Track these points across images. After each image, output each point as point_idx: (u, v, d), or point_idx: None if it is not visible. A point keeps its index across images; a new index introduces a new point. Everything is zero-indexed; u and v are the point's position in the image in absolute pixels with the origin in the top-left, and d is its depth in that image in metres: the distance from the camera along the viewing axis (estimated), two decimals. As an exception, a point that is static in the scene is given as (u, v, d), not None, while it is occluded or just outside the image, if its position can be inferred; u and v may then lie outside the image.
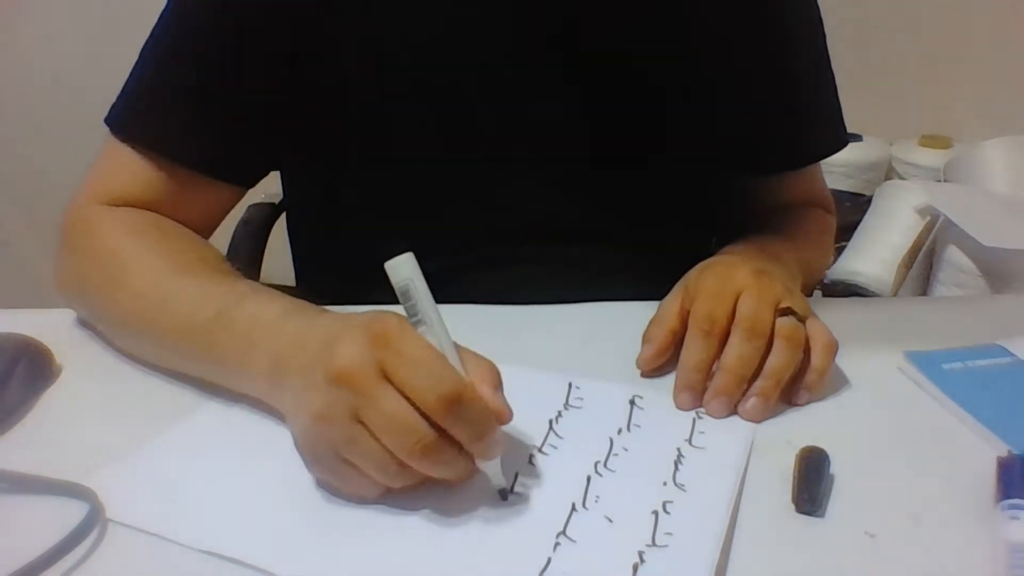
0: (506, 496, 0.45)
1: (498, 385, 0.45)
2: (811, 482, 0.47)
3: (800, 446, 0.49)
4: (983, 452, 0.50)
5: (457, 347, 0.45)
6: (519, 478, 0.47)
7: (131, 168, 0.65)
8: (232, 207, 0.71)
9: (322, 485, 0.46)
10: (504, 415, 0.44)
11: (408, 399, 0.41)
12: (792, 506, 0.46)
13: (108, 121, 0.66)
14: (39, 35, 1.76)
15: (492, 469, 0.45)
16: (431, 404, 0.41)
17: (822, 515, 0.46)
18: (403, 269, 0.44)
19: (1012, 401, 0.56)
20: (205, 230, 0.69)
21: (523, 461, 0.49)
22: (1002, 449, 0.49)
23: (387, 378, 0.42)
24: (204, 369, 0.55)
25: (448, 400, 0.41)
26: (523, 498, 0.46)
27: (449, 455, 0.43)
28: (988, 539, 0.43)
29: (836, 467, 0.48)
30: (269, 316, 0.52)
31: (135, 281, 0.58)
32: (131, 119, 0.65)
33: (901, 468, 0.50)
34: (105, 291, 0.60)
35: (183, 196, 0.66)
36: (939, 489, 0.48)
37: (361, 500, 0.45)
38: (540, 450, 0.50)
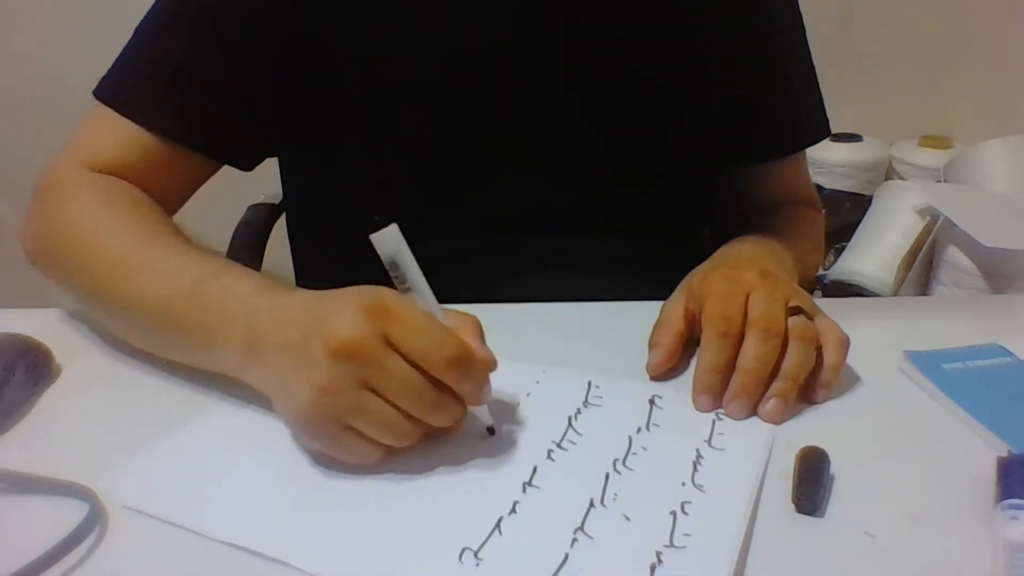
0: (494, 432, 0.51)
1: (481, 336, 0.49)
2: (811, 482, 0.46)
3: (800, 446, 0.49)
4: (983, 452, 0.50)
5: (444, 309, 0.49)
6: (537, 472, 0.48)
7: (112, 133, 0.66)
8: (208, 178, 0.72)
9: (319, 459, 0.48)
10: (492, 364, 0.48)
11: (413, 363, 0.45)
12: (792, 506, 0.46)
13: (95, 91, 0.67)
14: (39, 35, 1.76)
15: (481, 411, 0.50)
16: (440, 366, 0.45)
17: (822, 515, 0.46)
18: (390, 240, 0.47)
19: (1012, 401, 0.56)
20: (176, 200, 0.70)
21: (542, 456, 0.49)
22: (1002, 449, 0.49)
23: (392, 346, 0.45)
24: (172, 342, 0.55)
25: (454, 361, 0.45)
26: (541, 492, 0.46)
27: (452, 406, 0.47)
28: (988, 539, 0.43)
29: (836, 467, 0.48)
30: (243, 290, 0.52)
31: (109, 247, 0.59)
32: (115, 88, 0.67)
33: (901, 468, 0.50)
34: (77, 256, 0.60)
35: (160, 163, 0.66)
36: (939, 489, 0.48)
37: (360, 467, 0.47)
38: (559, 445, 0.50)
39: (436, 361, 0.45)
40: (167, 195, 0.68)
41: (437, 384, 0.46)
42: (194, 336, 0.53)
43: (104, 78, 0.67)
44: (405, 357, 0.45)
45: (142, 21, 0.68)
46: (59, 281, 0.62)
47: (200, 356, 0.54)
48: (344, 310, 0.46)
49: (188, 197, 0.71)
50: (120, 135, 0.66)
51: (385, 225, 0.47)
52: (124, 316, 0.58)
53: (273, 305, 0.50)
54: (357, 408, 0.45)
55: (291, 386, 0.46)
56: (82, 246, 0.60)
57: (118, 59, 0.68)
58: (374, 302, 0.46)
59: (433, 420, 0.47)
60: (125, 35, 0.68)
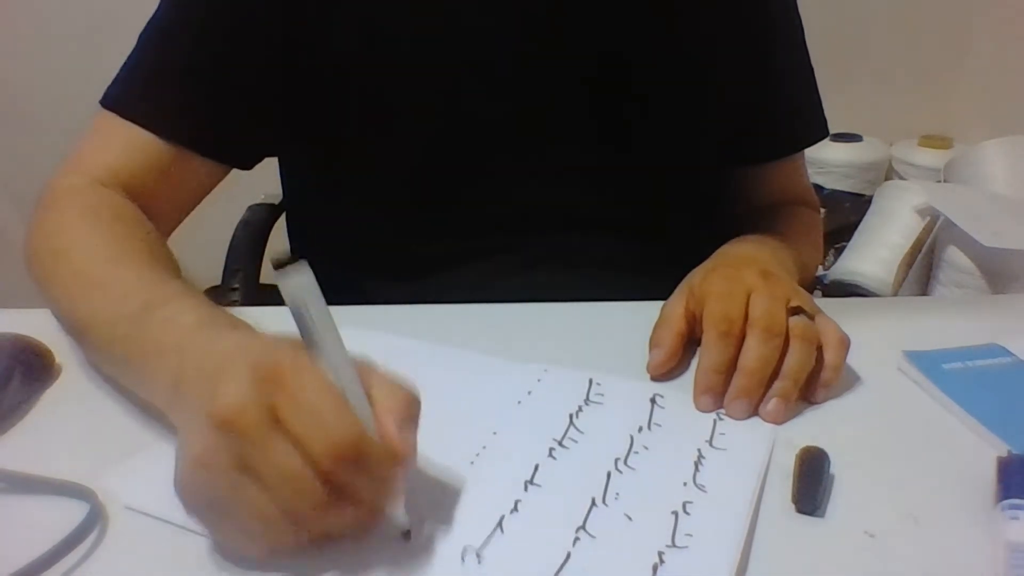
0: (409, 537, 0.42)
1: (408, 417, 0.40)
2: (811, 482, 0.47)
3: (800, 446, 0.49)
4: (983, 452, 0.50)
5: (369, 373, 0.41)
6: (539, 470, 0.48)
7: (115, 140, 0.66)
8: (214, 186, 0.71)
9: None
10: (402, 455, 0.39)
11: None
12: (792, 506, 0.46)
13: (101, 99, 0.67)
14: (39, 35, 1.76)
15: (394, 510, 0.41)
16: (323, 456, 0.37)
17: (822, 515, 0.46)
18: (295, 288, 0.38)
19: (1012, 401, 0.56)
20: (179, 209, 0.70)
21: (543, 454, 0.49)
22: (1002, 449, 0.49)
23: (278, 427, 0.37)
24: (116, 367, 0.54)
25: (342, 451, 0.37)
26: (543, 490, 0.46)
27: (345, 510, 0.39)
28: (988, 539, 0.43)
29: (836, 467, 0.48)
30: (181, 325, 0.48)
31: (76, 261, 0.58)
32: (121, 95, 0.67)
33: (901, 468, 0.50)
34: (49, 267, 0.60)
35: (162, 168, 0.66)
36: (939, 489, 0.48)
37: (243, 557, 0.41)
38: (561, 444, 0.50)
39: (320, 449, 0.37)
40: (170, 203, 0.68)
41: (332, 478, 0.38)
42: (132, 364, 0.50)
43: (109, 86, 0.67)
44: (299, 441, 0.37)
45: (145, 28, 0.68)
46: (40, 290, 0.62)
47: (136, 386, 0.51)
48: (237, 372, 0.38)
49: (192, 206, 0.71)
50: (123, 141, 0.66)
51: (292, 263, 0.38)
52: (80, 333, 0.57)
53: (205, 349, 0.44)
54: (230, 491, 0.38)
55: (180, 447, 0.40)
56: (54, 258, 0.60)
57: (122, 67, 0.68)
58: (269, 366, 0.38)
59: (317, 524, 0.39)
60: (129, 38, 0.68)
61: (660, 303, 0.62)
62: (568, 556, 0.42)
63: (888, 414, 0.55)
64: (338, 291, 0.63)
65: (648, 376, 0.58)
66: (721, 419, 0.54)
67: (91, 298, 0.55)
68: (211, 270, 0.92)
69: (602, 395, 0.56)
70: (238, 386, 0.38)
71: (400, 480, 0.40)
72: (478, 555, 0.42)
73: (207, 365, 0.42)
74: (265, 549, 0.40)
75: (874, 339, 0.61)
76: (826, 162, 1.92)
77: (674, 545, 0.42)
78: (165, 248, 0.64)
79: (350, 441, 0.37)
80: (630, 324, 0.62)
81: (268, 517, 0.38)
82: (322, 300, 0.39)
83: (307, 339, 0.39)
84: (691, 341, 0.60)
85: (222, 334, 0.46)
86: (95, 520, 0.43)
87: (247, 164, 0.72)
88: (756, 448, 0.51)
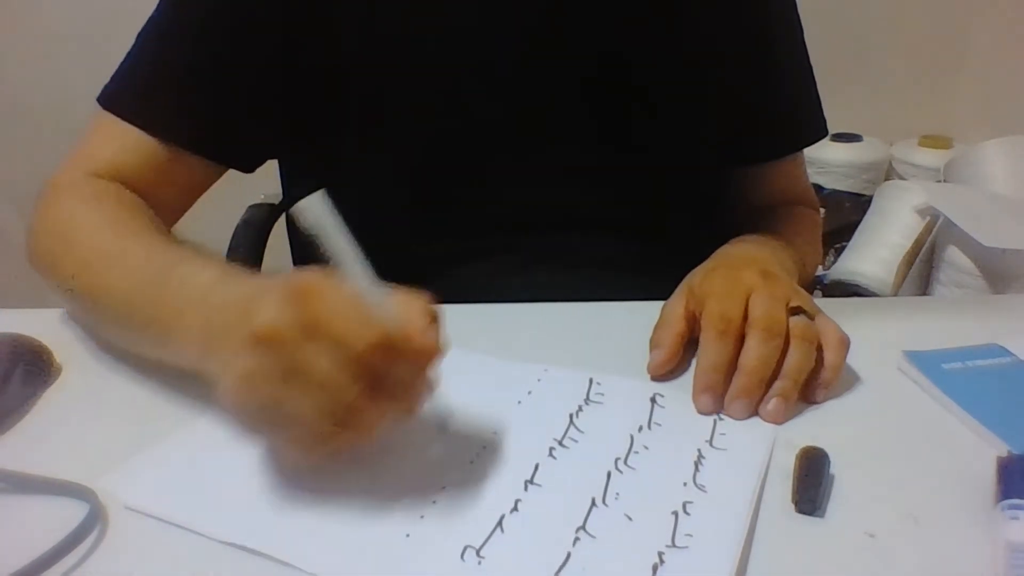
0: (446, 430, 0.47)
1: (431, 319, 0.43)
2: (811, 482, 0.47)
3: (800, 446, 0.49)
4: (983, 452, 0.50)
5: (387, 294, 0.43)
6: (539, 470, 0.48)
7: (115, 139, 0.66)
8: (213, 183, 0.72)
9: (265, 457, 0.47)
10: (433, 350, 0.43)
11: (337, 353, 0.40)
12: (792, 506, 0.46)
13: (99, 98, 0.67)
14: (39, 35, 1.76)
15: (430, 405, 0.45)
16: (360, 353, 0.40)
17: (822, 515, 0.46)
18: (312, 211, 0.41)
19: (1012, 401, 0.56)
20: (179, 206, 0.70)
21: (543, 453, 0.49)
22: (1002, 449, 0.49)
23: (313, 334, 0.40)
24: (137, 336, 0.55)
25: (376, 343, 0.40)
26: (543, 490, 0.46)
27: (385, 405, 0.42)
28: (988, 539, 0.43)
29: (836, 467, 0.48)
30: (200, 281, 0.50)
31: (85, 243, 0.59)
32: (119, 94, 0.67)
33: (901, 468, 0.50)
34: (58, 252, 0.60)
35: (162, 168, 0.67)
36: (939, 489, 0.48)
37: (298, 469, 0.45)
38: (561, 443, 0.50)
39: (356, 344, 0.40)
40: (169, 201, 0.68)
41: (368, 381, 0.41)
42: (155, 328, 0.52)
43: (107, 85, 0.68)
44: (334, 342, 0.40)
45: (143, 27, 0.68)
46: (45, 279, 0.63)
47: (159, 350, 0.53)
48: (267, 295, 0.42)
49: (191, 203, 0.71)
50: (123, 141, 0.66)
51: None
52: (97, 311, 0.58)
53: (228, 296, 0.47)
54: (277, 402, 0.41)
55: (222, 376, 0.43)
56: (61, 242, 0.60)
57: (121, 65, 0.68)
58: (296, 285, 0.42)
59: (360, 422, 0.42)
60: (129, 39, 0.68)
61: (660, 303, 0.62)
62: (568, 556, 0.42)
63: (888, 414, 0.55)
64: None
65: (648, 376, 0.58)
66: (721, 419, 0.54)
67: (106, 274, 0.56)
68: (211, 270, 0.92)
69: (602, 395, 0.56)
70: (273, 305, 0.41)
71: (432, 374, 0.43)
72: (478, 554, 0.42)
73: (234, 304, 0.45)
74: (316, 455, 0.44)
75: (874, 339, 0.61)
76: (826, 162, 1.92)
77: (674, 545, 0.42)
78: (167, 229, 0.64)
79: (379, 335, 0.40)
80: (630, 324, 0.62)
81: (313, 420, 0.41)
82: (338, 223, 0.41)
83: (331, 257, 0.42)
84: (691, 341, 0.60)
85: (242, 281, 0.48)
86: (95, 520, 0.43)
87: (248, 166, 0.72)
88: (756, 448, 0.51)
